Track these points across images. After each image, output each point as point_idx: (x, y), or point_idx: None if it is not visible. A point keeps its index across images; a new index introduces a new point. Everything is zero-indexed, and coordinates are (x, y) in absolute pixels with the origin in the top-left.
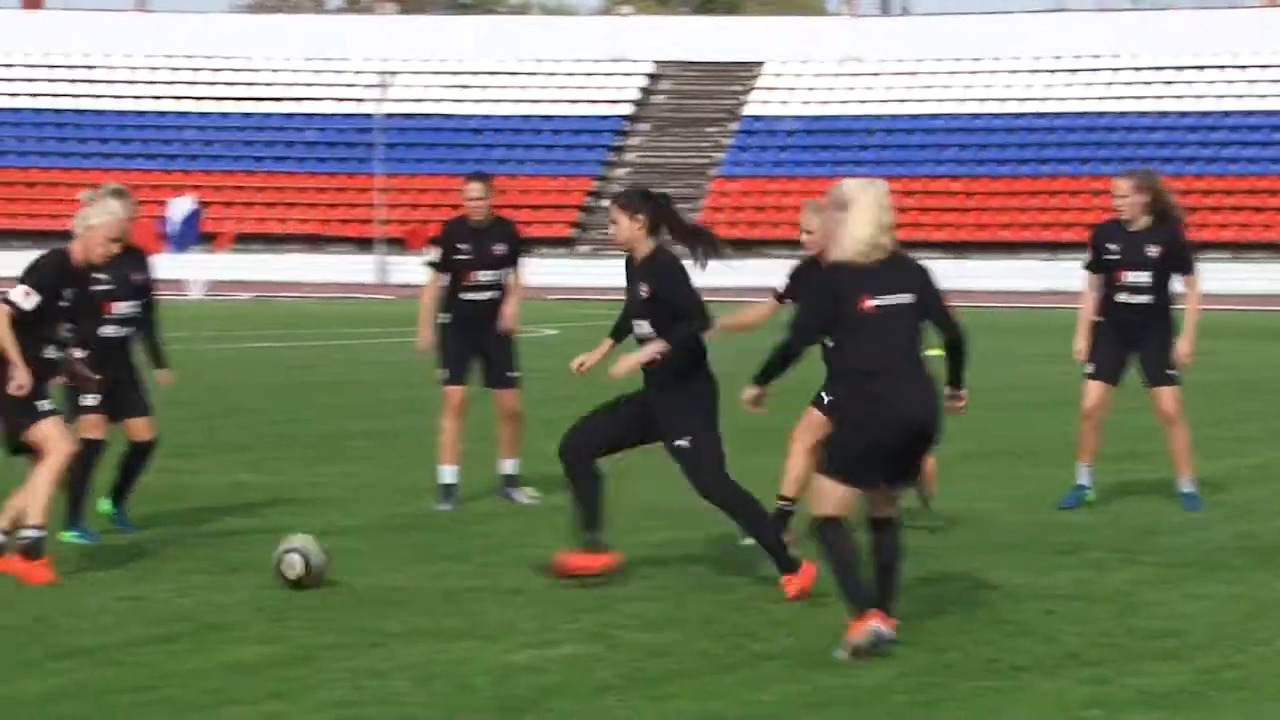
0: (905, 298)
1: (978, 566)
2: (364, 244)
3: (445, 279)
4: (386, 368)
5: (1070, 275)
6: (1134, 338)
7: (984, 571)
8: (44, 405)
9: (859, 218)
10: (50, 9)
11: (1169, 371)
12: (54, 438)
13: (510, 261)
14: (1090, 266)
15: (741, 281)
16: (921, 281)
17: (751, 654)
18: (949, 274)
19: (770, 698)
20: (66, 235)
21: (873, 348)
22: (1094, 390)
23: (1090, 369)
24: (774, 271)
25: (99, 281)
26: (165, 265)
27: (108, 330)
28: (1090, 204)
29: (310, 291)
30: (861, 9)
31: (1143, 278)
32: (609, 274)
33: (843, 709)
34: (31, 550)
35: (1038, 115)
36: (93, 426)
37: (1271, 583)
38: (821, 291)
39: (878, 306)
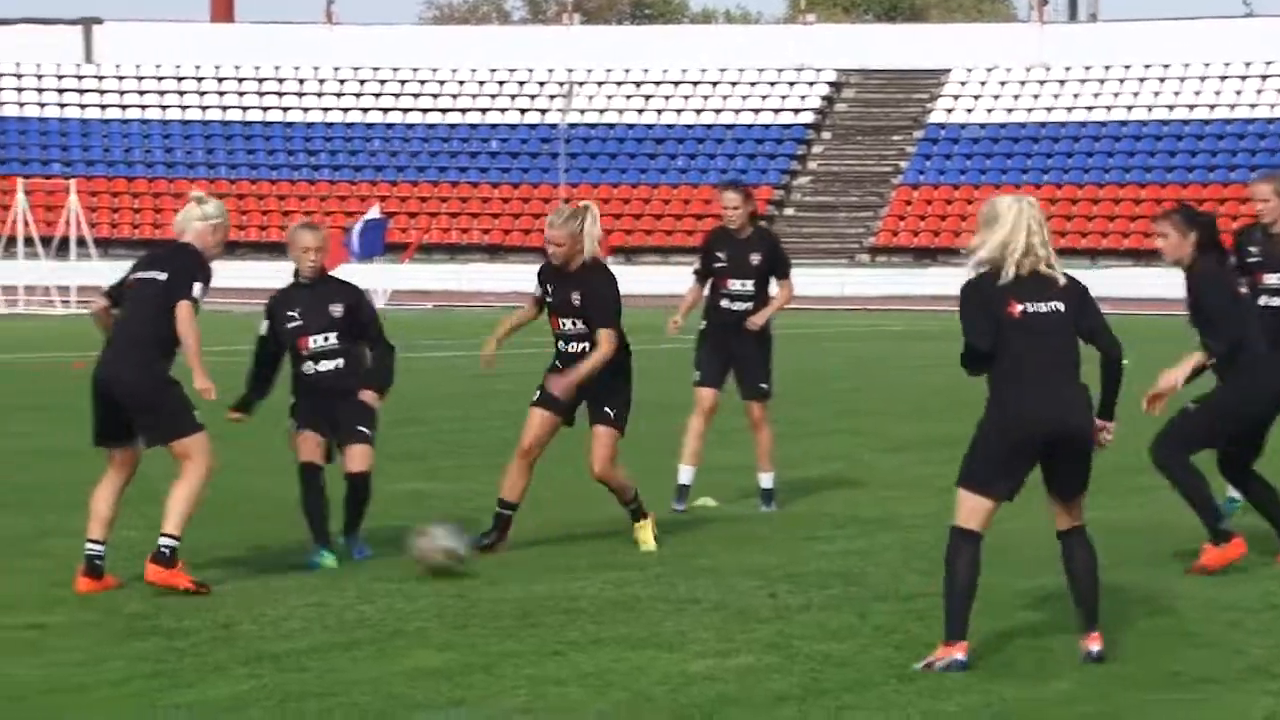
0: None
1: (1159, 577)
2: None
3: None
4: None
5: None
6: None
7: (1166, 582)
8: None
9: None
10: (240, 22)
11: None
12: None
13: (768, 271)
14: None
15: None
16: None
17: None
18: (1143, 282)
19: (952, 708)
20: (255, 245)
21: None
22: None
23: None
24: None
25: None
26: (350, 275)
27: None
28: None
29: (492, 301)
30: (1049, 15)
31: None
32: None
33: None
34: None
35: (1226, 122)
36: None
37: None
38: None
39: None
